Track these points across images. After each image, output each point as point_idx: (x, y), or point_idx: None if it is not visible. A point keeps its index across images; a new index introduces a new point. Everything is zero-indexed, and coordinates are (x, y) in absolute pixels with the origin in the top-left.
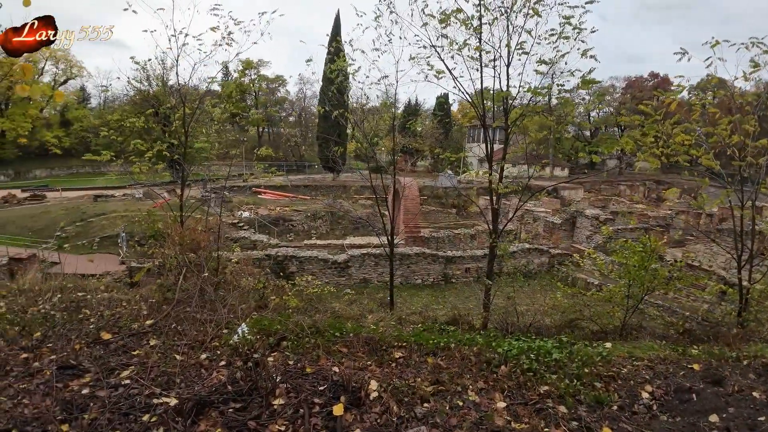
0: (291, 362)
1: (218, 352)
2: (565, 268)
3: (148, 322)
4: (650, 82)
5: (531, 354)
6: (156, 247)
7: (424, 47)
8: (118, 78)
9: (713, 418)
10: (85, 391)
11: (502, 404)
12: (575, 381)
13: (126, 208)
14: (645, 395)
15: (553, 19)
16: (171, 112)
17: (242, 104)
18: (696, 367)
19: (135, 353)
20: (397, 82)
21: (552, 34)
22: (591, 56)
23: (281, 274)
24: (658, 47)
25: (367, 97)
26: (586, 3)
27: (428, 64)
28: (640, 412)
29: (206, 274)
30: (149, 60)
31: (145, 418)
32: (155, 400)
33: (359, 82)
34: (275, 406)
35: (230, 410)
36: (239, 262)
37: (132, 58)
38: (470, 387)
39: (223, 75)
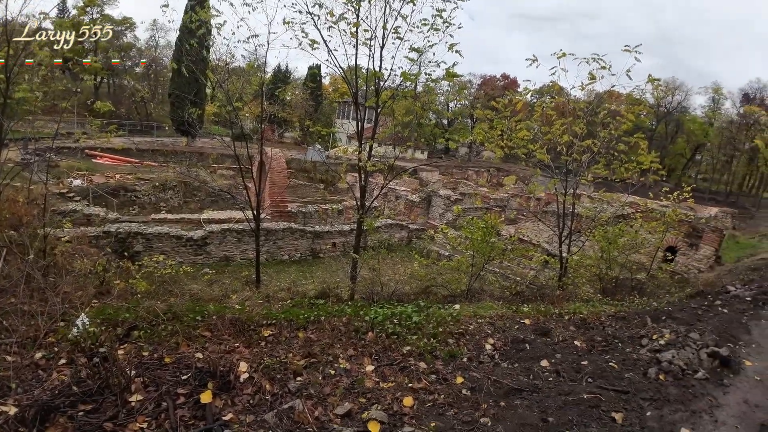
0: (146, 353)
1: (56, 349)
2: (421, 241)
3: None
4: (502, 82)
5: (394, 319)
6: None
7: (300, 12)
8: None
9: (544, 363)
10: None
11: (370, 367)
12: (432, 339)
13: None
14: (488, 347)
15: (427, 9)
16: None
17: (78, 47)
18: (527, 322)
19: None
20: (268, 44)
21: (424, 24)
22: (456, 51)
23: (125, 254)
24: (513, 52)
25: (233, 56)
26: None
27: (303, 31)
28: (485, 361)
29: (32, 257)
30: None
31: None
32: None
33: (224, 38)
34: (133, 403)
35: (80, 413)
36: (71, 240)
37: None
38: (341, 355)
39: (59, 11)
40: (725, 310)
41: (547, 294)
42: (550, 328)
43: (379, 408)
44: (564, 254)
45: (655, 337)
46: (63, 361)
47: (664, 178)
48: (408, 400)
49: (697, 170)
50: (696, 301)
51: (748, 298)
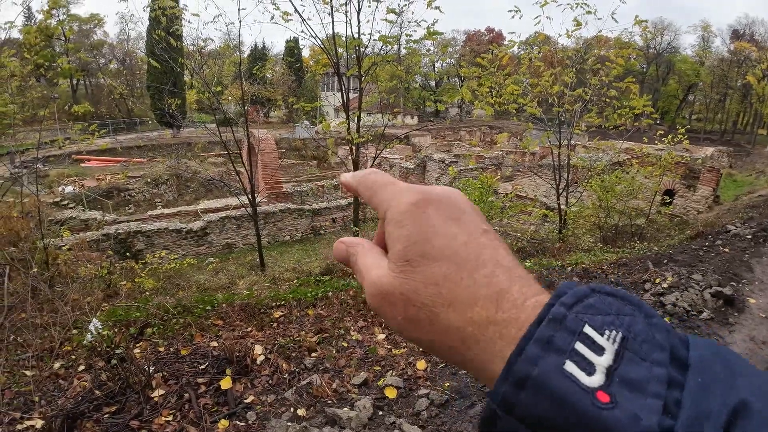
0: (162, 348)
1: (73, 357)
2: None
3: None
4: (487, 36)
5: None
6: None
7: None
8: None
9: None
10: None
11: (382, 336)
12: None
13: None
14: None
15: None
16: None
17: (47, 51)
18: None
19: None
20: (240, 22)
21: None
22: (436, 7)
23: (127, 254)
24: (496, 2)
25: (204, 40)
26: None
27: (273, 3)
28: None
29: (35, 270)
30: None
31: None
32: (19, 426)
33: (188, 22)
34: (155, 398)
35: (106, 416)
36: (72, 248)
37: None
38: (352, 328)
39: (25, 18)
40: (726, 250)
41: (548, 247)
42: (553, 281)
43: (393, 374)
44: (562, 206)
45: (657, 281)
46: (82, 367)
47: (658, 121)
48: (421, 364)
49: (690, 111)
50: (697, 243)
51: (749, 236)
